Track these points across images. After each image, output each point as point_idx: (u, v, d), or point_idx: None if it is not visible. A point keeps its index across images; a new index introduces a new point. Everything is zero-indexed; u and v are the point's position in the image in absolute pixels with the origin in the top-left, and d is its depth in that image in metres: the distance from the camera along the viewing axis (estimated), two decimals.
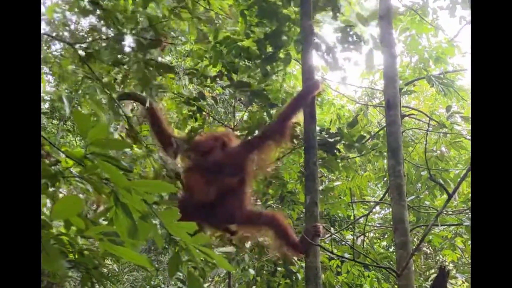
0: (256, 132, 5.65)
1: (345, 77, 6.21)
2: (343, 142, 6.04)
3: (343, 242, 8.40)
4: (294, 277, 5.97)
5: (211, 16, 5.75)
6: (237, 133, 5.87)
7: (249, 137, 5.28)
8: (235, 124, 6.80)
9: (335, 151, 5.88)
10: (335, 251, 7.89)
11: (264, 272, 6.15)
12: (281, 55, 5.95)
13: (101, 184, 2.13)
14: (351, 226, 8.63)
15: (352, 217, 9.00)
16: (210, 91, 7.03)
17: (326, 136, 5.95)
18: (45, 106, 15.55)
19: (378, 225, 10.41)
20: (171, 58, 13.32)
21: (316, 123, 5.24)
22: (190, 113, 6.25)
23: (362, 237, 8.93)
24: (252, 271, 5.58)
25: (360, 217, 8.54)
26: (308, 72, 5.27)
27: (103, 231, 2.13)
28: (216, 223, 5.01)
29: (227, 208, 4.86)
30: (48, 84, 17.44)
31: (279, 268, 6.22)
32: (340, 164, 6.31)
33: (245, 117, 6.69)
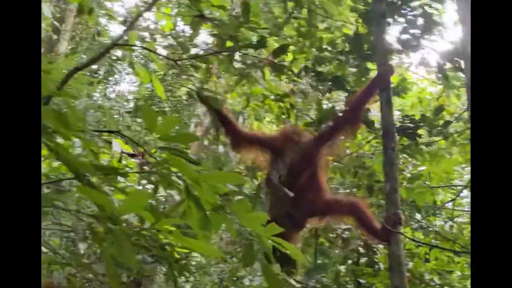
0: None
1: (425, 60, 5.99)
2: (426, 128, 5.88)
3: (430, 228, 8.18)
4: (376, 266, 5.87)
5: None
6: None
7: (322, 129, 5.23)
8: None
9: (417, 136, 5.72)
10: (422, 237, 7.71)
11: (350, 262, 6.08)
12: None
13: (170, 178, 2.15)
14: (438, 212, 8.40)
15: (439, 203, 8.75)
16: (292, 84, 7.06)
17: (408, 122, 5.80)
18: (129, 105, 15.98)
19: (467, 209, 10.07)
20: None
21: (393, 108, 5.12)
22: (283, 110, 6.30)
23: (450, 223, 8.66)
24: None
25: (447, 202, 8.30)
26: (382, 57, 5.16)
27: (176, 224, 2.15)
28: (297, 220, 4.98)
29: (304, 203, 4.84)
30: (132, 84, 17.93)
31: (363, 259, 6.14)
32: (425, 150, 6.15)
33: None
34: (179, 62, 5.55)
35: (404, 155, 6.47)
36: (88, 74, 12.98)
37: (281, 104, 6.21)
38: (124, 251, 1.80)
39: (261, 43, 5.45)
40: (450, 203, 8.51)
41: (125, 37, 5.56)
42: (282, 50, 5.64)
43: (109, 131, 3.91)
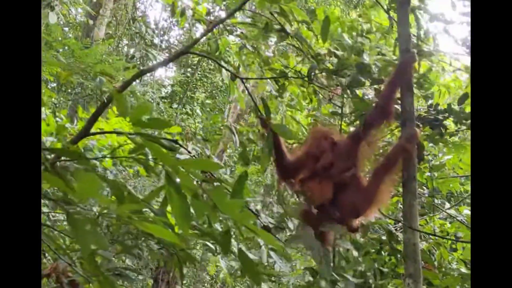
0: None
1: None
2: (451, 118, 5.74)
3: (455, 218, 8.04)
4: (398, 255, 5.80)
5: None
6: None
7: (356, 128, 5.16)
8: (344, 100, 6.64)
9: (441, 128, 5.58)
10: (448, 227, 7.60)
11: (372, 250, 6.01)
12: None
13: (148, 164, 2.17)
14: (467, 201, 8.24)
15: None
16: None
17: (433, 112, 5.67)
18: (165, 91, 16.15)
19: None
20: None
21: (413, 95, 5.03)
22: (306, 93, 6.23)
23: None
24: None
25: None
26: (404, 43, 5.06)
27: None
28: (343, 219, 4.91)
29: (349, 203, 4.78)
30: (170, 70, 18.09)
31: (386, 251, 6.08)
32: (450, 140, 6.02)
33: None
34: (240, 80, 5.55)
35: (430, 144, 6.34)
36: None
37: (304, 89, 6.12)
38: (81, 234, 1.82)
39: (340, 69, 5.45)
40: None
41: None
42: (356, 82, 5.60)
43: (166, 139, 4.08)
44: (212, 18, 6.54)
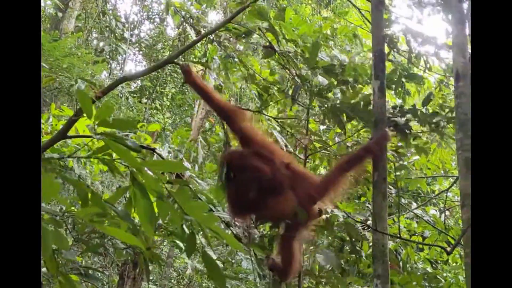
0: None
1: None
2: (415, 119, 5.75)
3: (422, 218, 8.14)
4: (358, 254, 5.85)
5: None
6: None
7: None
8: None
9: (407, 129, 5.56)
10: (415, 227, 7.70)
11: (332, 248, 6.03)
12: None
13: (113, 164, 2.14)
14: (433, 201, 8.37)
15: (436, 192, 8.70)
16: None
17: (398, 114, 5.66)
18: (134, 85, 16.02)
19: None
20: None
21: (386, 97, 5.04)
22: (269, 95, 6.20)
23: (446, 213, 8.63)
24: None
25: (440, 192, 8.25)
26: (377, 44, 5.07)
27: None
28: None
29: (302, 192, 4.73)
30: (140, 65, 17.96)
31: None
32: (413, 143, 6.03)
33: None
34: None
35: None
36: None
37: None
38: (42, 235, 1.79)
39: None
40: (449, 194, 8.46)
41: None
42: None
43: (146, 148, 4.11)
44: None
